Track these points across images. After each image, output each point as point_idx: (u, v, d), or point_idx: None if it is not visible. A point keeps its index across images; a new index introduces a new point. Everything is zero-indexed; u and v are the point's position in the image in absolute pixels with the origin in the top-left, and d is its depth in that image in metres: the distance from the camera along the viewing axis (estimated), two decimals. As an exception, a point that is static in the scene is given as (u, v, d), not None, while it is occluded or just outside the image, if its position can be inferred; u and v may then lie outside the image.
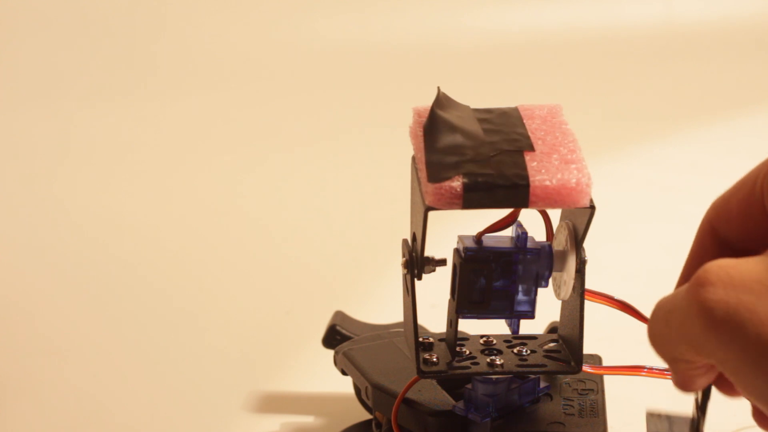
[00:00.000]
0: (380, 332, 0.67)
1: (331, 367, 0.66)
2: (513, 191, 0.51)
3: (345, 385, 0.66)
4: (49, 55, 1.32)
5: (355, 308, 0.74)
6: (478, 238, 0.55)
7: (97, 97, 1.27)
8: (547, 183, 0.51)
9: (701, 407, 0.49)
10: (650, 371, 0.57)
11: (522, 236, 0.55)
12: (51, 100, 1.25)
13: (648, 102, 1.29)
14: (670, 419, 0.51)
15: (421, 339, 0.57)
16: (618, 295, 0.57)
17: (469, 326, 0.58)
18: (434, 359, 0.56)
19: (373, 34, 1.39)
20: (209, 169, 1.12)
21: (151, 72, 1.33)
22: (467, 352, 0.58)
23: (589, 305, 0.55)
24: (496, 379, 0.57)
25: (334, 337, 0.69)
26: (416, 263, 0.54)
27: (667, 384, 0.57)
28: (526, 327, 0.57)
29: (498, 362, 0.56)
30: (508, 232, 0.55)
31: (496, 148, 0.52)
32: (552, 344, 0.58)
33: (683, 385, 0.42)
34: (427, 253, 0.55)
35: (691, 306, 0.37)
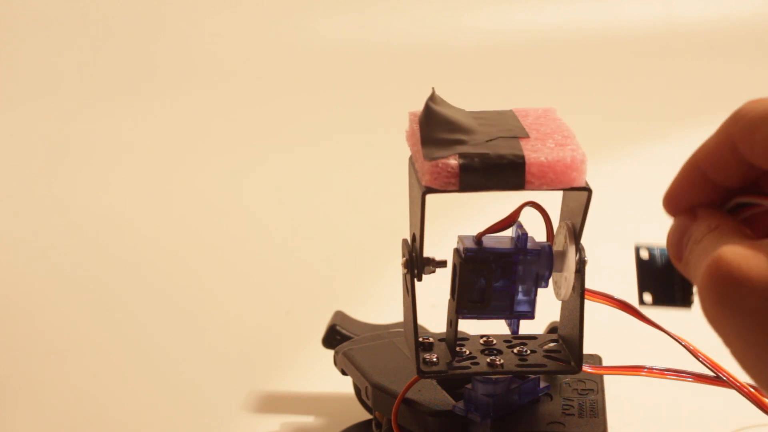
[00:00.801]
0: (380, 332, 0.67)
1: (331, 367, 0.66)
2: (509, 170, 0.51)
3: (345, 385, 0.66)
4: (49, 55, 1.33)
5: (355, 308, 0.74)
6: (478, 238, 0.55)
7: (97, 97, 1.27)
8: (543, 159, 0.51)
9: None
10: (650, 371, 0.57)
11: (522, 237, 0.55)
12: (51, 100, 1.26)
13: (648, 102, 1.29)
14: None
15: (421, 339, 0.57)
16: (618, 295, 0.57)
17: (469, 326, 0.58)
18: (434, 359, 0.56)
19: (373, 34, 1.39)
20: (209, 169, 1.12)
21: (151, 72, 1.33)
22: (467, 352, 0.58)
23: (589, 305, 0.55)
24: (496, 379, 0.57)
25: (334, 337, 0.69)
26: (416, 263, 0.54)
27: (667, 384, 0.57)
28: (526, 327, 0.57)
29: (498, 362, 0.56)
30: (509, 232, 0.55)
31: (491, 134, 0.52)
32: (552, 344, 0.58)
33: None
34: (427, 253, 0.55)
35: (704, 281, 0.39)
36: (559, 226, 0.56)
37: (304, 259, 0.93)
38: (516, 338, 0.59)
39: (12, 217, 1.01)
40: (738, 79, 1.34)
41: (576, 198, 0.54)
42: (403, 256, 0.55)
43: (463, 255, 0.54)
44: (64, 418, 0.70)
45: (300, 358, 0.76)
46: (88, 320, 0.83)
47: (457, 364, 0.56)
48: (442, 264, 0.55)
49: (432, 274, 0.55)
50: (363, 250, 0.94)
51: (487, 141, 0.52)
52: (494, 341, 0.59)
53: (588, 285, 0.55)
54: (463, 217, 0.86)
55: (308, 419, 0.69)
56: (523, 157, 0.51)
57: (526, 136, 0.52)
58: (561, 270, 0.55)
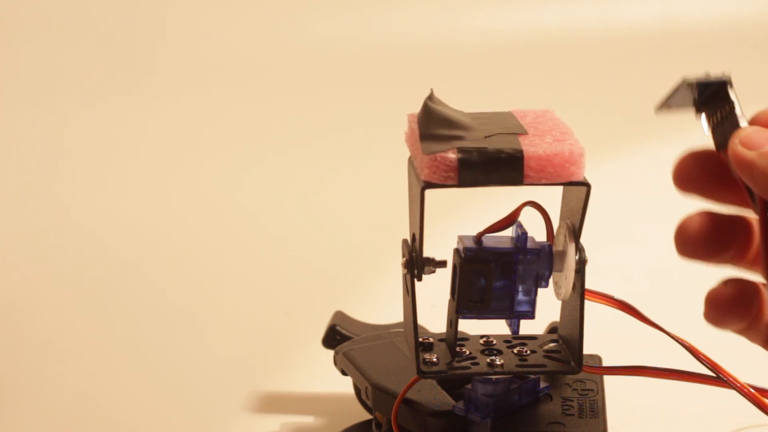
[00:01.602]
0: (380, 332, 0.67)
1: (331, 367, 0.66)
2: (507, 164, 0.51)
3: (345, 385, 0.66)
4: (49, 55, 1.33)
5: (355, 308, 0.74)
6: (478, 238, 0.55)
7: (96, 97, 1.27)
8: (541, 152, 0.51)
9: None
10: (650, 371, 0.57)
11: (522, 236, 0.55)
12: (51, 100, 1.26)
13: (648, 102, 1.28)
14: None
15: (421, 339, 0.57)
16: (618, 295, 0.57)
17: (469, 326, 0.58)
18: (434, 359, 0.56)
19: (373, 34, 1.39)
20: (209, 169, 1.12)
21: (150, 72, 1.33)
22: (467, 353, 0.58)
23: (589, 305, 0.55)
24: (496, 379, 0.57)
25: (334, 337, 0.69)
26: (416, 263, 0.54)
27: (667, 384, 0.57)
28: (526, 327, 0.57)
29: (498, 362, 0.56)
30: (508, 232, 0.55)
31: (490, 131, 0.52)
32: (552, 344, 0.58)
33: None
34: (427, 253, 0.55)
35: None
36: (559, 226, 0.56)
37: (304, 259, 0.93)
38: (516, 338, 0.59)
39: (11, 217, 1.01)
40: (738, 79, 1.34)
41: (575, 196, 0.54)
42: (403, 256, 0.55)
43: (463, 255, 0.54)
44: (63, 418, 0.70)
45: (300, 358, 0.76)
46: (88, 320, 0.83)
47: (457, 365, 0.56)
48: (442, 264, 0.55)
49: (432, 274, 0.55)
50: (363, 250, 0.94)
51: (485, 137, 0.52)
52: (494, 341, 0.59)
53: (588, 285, 0.55)
54: (463, 217, 0.86)
55: (308, 419, 0.69)
56: (521, 151, 0.51)
57: (525, 133, 0.53)
58: (561, 270, 0.55)
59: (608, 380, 0.62)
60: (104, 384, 0.74)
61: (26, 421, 0.70)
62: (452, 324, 0.56)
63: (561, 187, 0.56)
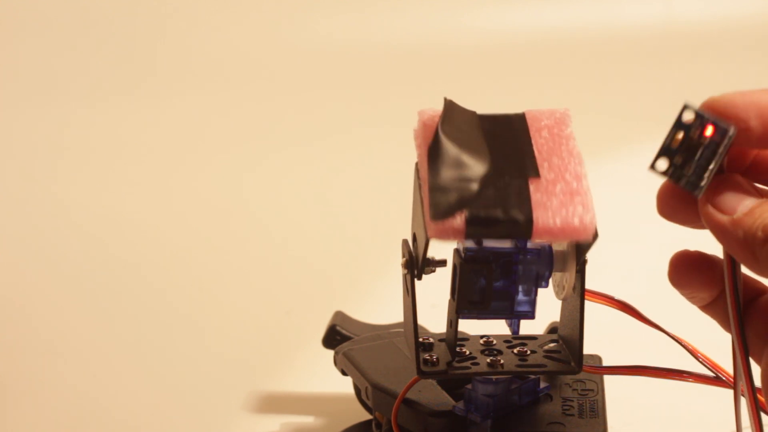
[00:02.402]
0: (380, 332, 0.67)
1: (331, 367, 0.66)
2: (515, 227, 0.50)
3: (345, 385, 0.66)
4: (48, 55, 1.32)
5: (355, 308, 0.74)
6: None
7: (96, 97, 1.27)
8: (550, 223, 0.50)
9: None
10: (650, 371, 0.57)
11: (522, 236, 0.55)
12: (50, 100, 1.25)
13: (648, 102, 1.29)
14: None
15: (421, 339, 0.57)
16: (618, 295, 0.56)
17: (469, 326, 0.58)
18: (434, 359, 0.56)
19: (373, 34, 1.39)
20: (209, 169, 1.12)
21: (150, 72, 1.33)
22: (467, 353, 0.58)
23: (589, 305, 0.55)
24: (496, 379, 0.57)
25: (334, 338, 0.69)
26: (416, 263, 0.54)
27: (667, 384, 0.57)
28: (526, 327, 0.57)
29: (498, 362, 0.56)
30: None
31: (501, 171, 0.51)
32: (552, 344, 0.58)
33: None
34: (428, 253, 0.55)
35: None
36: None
37: (304, 259, 0.92)
38: (516, 338, 0.59)
39: (10, 217, 1.01)
40: (738, 79, 1.34)
41: None
42: (403, 256, 0.55)
43: (463, 255, 0.54)
44: (63, 418, 0.70)
45: (300, 358, 0.76)
46: (88, 320, 0.83)
47: (457, 365, 0.56)
48: (442, 263, 0.55)
49: (432, 274, 0.55)
50: (363, 250, 0.94)
51: (494, 187, 0.51)
52: (494, 341, 0.59)
53: (588, 285, 0.55)
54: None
55: (308, 419, 0.69)
56: (531, 221, 0.50)
57: (537, 177, 0.51)
58: (561, 270, 0.55)
59: (608, 380, 0.62)
60: (104, 384, 0.74)
61: (26, 421, 0.70)
62: (452, 324, 0.56)
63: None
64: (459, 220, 0.50)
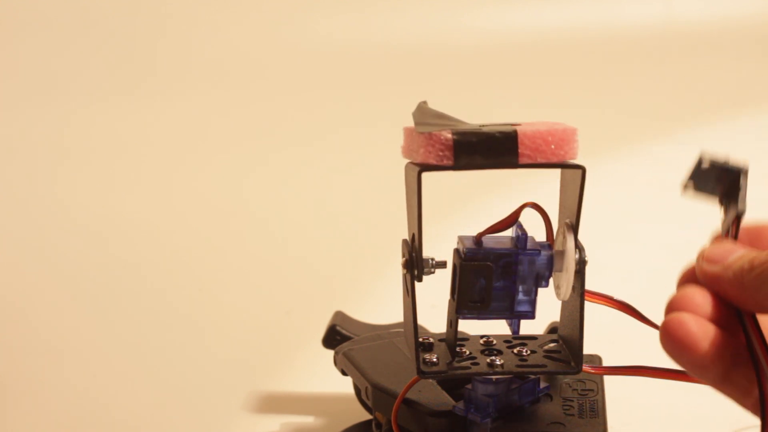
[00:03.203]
0: (380, 332, 0.67)
1: (331, 367, 0.66)
2: (502, 143, 0.51)
3: (345, 385, 0.66)
4: (49, 55, 1.33)
5: (355, 308, 0.74)
6: (478, 238, 0.55)
7: (97, 97, 1.27)
8: (535, 130, 0.51)
9: None
10: (650, 371, 0.57)
11: (522, 237, 0.55)
12: (51, 100, 1.26)
13: (648, 102, 1.29)
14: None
15: (421, 339, 0.57)
16: (618, 296, 0.57)
17: (469, 326, 0.58)
18: (434, 359, 0.56)
19: (373, 34, 1.39)
20: (209, 169, 1.12)
21: (150, 71, 1.33)
22: (467, 353, 0.58)
23: (589, 305, 0.55)
24: (496, 379, 0.57)
25: (334, 337, 0.69)
26: (416, 263, 0.54)
27: (667, 384, 0.57)
28: (526, 327, 0.57)
29: (498, 362, 0.56)
30: (509, 233, 0.55)
31: (484, 124, 0.53)
32: (552, 344, 0.58)
33: None
34: (428, 253, 0.55)
35: None
36: (559, 226, 0.56)
37: (304, 259, 0.93)
38: (516, 338, 0.59)
39: (11, 217, 1.01)
40: (738, 79, 1.34)
41: (572, 189, 0.54)
42: (403, 256, 0.55)
43: (463, 255, 0.54)
44: (64, 418, 0.70)
45: (300, 358, 0.76)
46: (88, 320, 0.83)
47: (457, 365, 0.56)
48: (442, 265, 0.55)
49: (432, 275, 0.55)
50: (363, 250, 0.94)
51: (480, 125, 0.52)
52: (494, 341, 0.59)
53: (588, 285, 0.55)
54: (463, 218, 0.87)
55: (308, 419, 0.69)
56: (515, 131, 0.51)
57: (518, 124, 0.53)
58: (561, 270, 0.55)
59: (608, 380, 0.62)
60: (104, 384, 0.74)
61: (26, 421, 0.70)
62: (452, 324, 0.56)
63: (559, 187, 0.56)
64: (447, 134, 0.51)
